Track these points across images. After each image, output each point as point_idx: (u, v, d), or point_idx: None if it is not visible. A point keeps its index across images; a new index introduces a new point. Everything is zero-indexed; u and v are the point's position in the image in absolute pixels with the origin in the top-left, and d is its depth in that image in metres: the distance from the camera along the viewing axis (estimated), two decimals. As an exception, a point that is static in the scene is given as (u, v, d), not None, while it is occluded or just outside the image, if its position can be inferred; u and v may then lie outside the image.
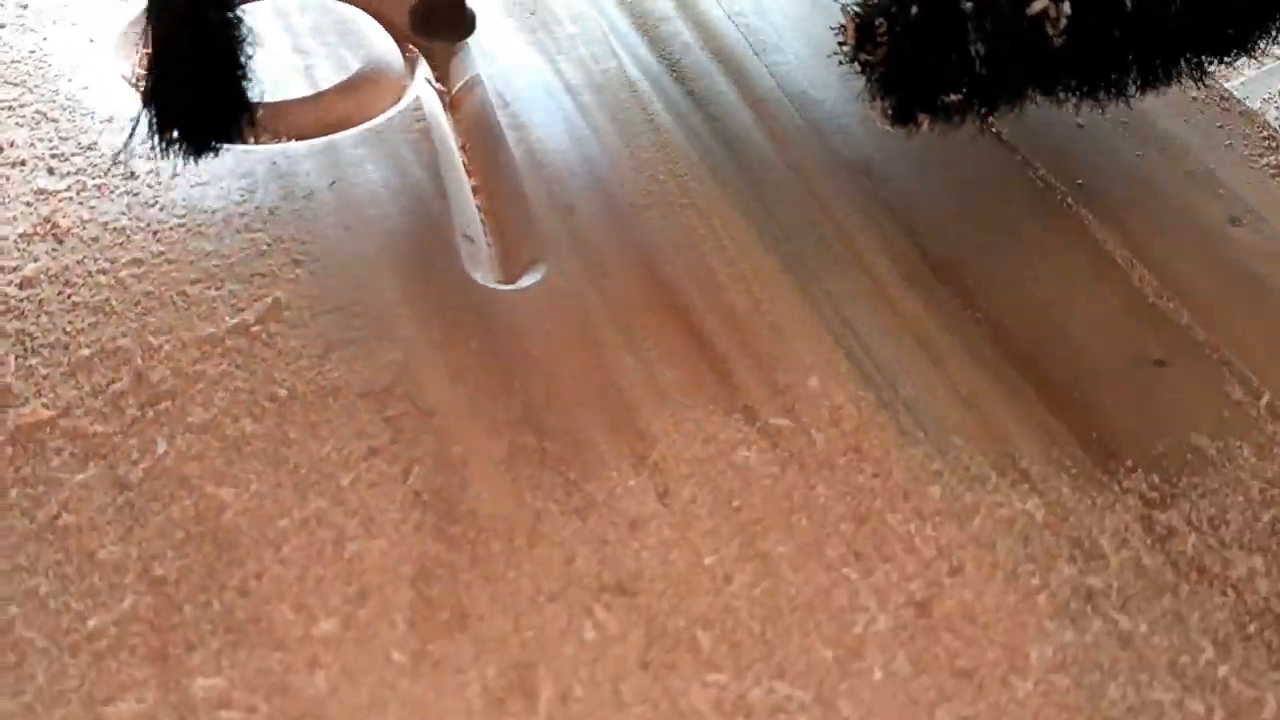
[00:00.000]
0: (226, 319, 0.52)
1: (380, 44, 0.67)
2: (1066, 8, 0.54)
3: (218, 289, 0.53)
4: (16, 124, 0.60)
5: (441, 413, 0.49)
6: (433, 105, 0.64)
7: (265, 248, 0.55)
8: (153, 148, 0.50)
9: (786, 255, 0.57)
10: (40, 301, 0.52)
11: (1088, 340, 0.55)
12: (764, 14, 0.72)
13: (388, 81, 0.65)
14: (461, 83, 0.65)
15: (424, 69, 0.66)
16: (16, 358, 0.50)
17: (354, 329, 0.52)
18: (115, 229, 0.55)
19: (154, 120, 0.50)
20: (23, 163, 0.58)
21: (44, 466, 0.46)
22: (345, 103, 0.63)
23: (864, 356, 0.53)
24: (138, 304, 0.52)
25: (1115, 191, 0.62)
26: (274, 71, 0.64)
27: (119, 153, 0.55)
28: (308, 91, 0.63)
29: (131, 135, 0.50)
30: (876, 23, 0.54)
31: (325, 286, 0.53)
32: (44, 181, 0.57)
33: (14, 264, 0.53)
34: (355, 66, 0.65)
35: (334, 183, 0.58)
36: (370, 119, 0.63)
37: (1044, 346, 0.54)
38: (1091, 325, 0.55)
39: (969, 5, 0.53)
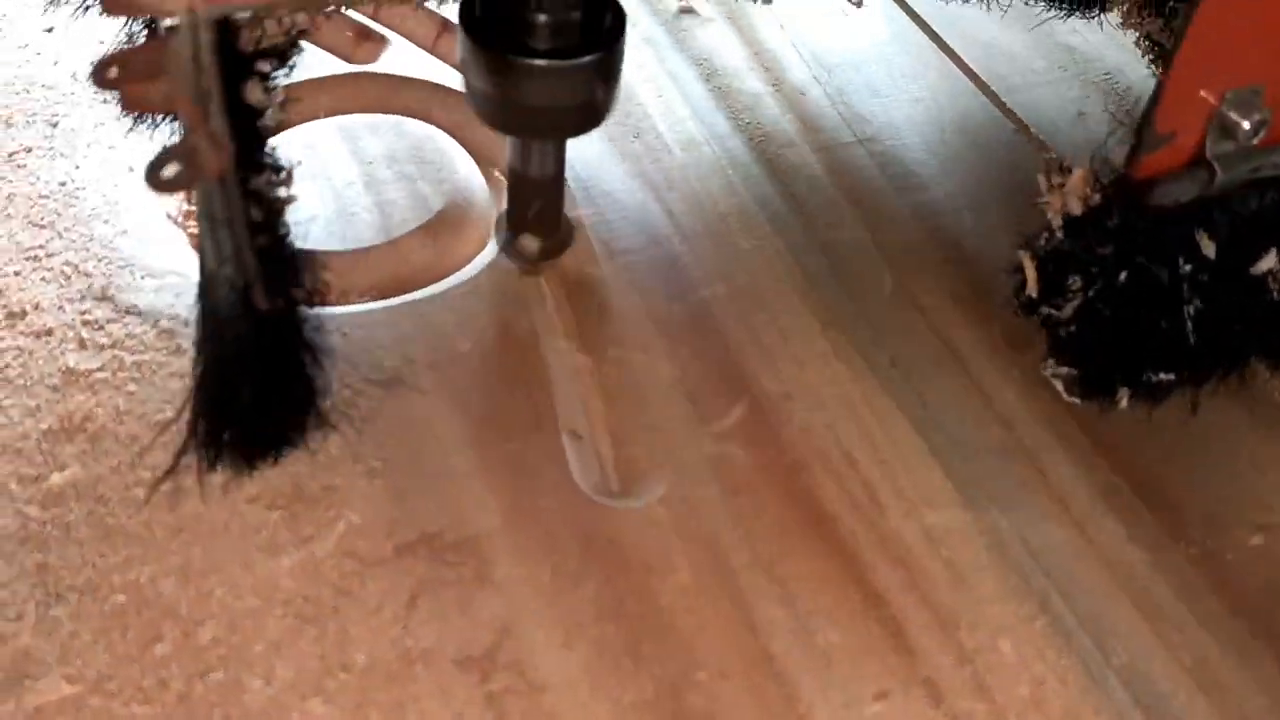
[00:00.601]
0: (290, 550, 0.43)
1: (463, 171, 0.58)
2: None
3: (279, 508, 0.44)
4: (42, 279, 0.51)
5: (555, 689, 0.40)
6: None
7: (335, 452, 0.45)
8: (202, 460, 0.42)
9: (954, 465, 0.48)
10: (67, 526, 0.43)
11: (1327, 585, 0.45)
12: (899, 135, 0.62)
13: (473, 221, 0.56)
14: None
15: (514, 206, 0.57)
16: (37, 604, 0.40)
17: (445, 566, 0.43)
18: (158, 424, 0.46)
19: (204, 434, 0.41)
20: (49, 332, 0.49)
21: (66, 769, 0.37)
22: (426, 250, 0.54)
23: (1061, 606, 0.44)
24: (182, 530, 0.43)
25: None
26: (342, 213, 0.55)
27: (164, 476, 0.43)
28: (381, 236, 0.54)
29: (178, 459, 0.42)
30: (1069, 280, 0.45)
31: (408, 506, 0.44)
32: (74, 358, 0.48)
33: (36, 472, 0.44)
34: (436, 204, 0.56)
35: (414, 361, 0.49)
36: (456, 268, 0.54)
37: (1276, 596, 0.45)
38: (1329, 563, 0.46)
39: (1186, 267, 0.44)
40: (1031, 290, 0.46)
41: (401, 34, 0.64)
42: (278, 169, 0.39)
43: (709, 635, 0.42)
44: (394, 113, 0.61)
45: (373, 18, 0.66)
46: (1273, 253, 0.45)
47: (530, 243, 0.52)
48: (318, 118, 0.60)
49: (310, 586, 0.42)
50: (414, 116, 0.60)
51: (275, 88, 0.39)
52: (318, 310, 0.42)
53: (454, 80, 0.60)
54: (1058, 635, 0.43)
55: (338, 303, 0.51)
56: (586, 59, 0.44)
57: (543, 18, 0.43)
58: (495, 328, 0.51)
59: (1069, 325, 0.46)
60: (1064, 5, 0.59)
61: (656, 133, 0.61)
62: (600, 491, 0.46)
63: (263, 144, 0.38)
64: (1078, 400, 0.48)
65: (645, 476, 0.47)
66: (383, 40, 0.65)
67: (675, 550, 0.44)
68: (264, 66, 0.38)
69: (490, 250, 0.55)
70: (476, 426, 0.47)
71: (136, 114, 0.47)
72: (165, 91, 0.34)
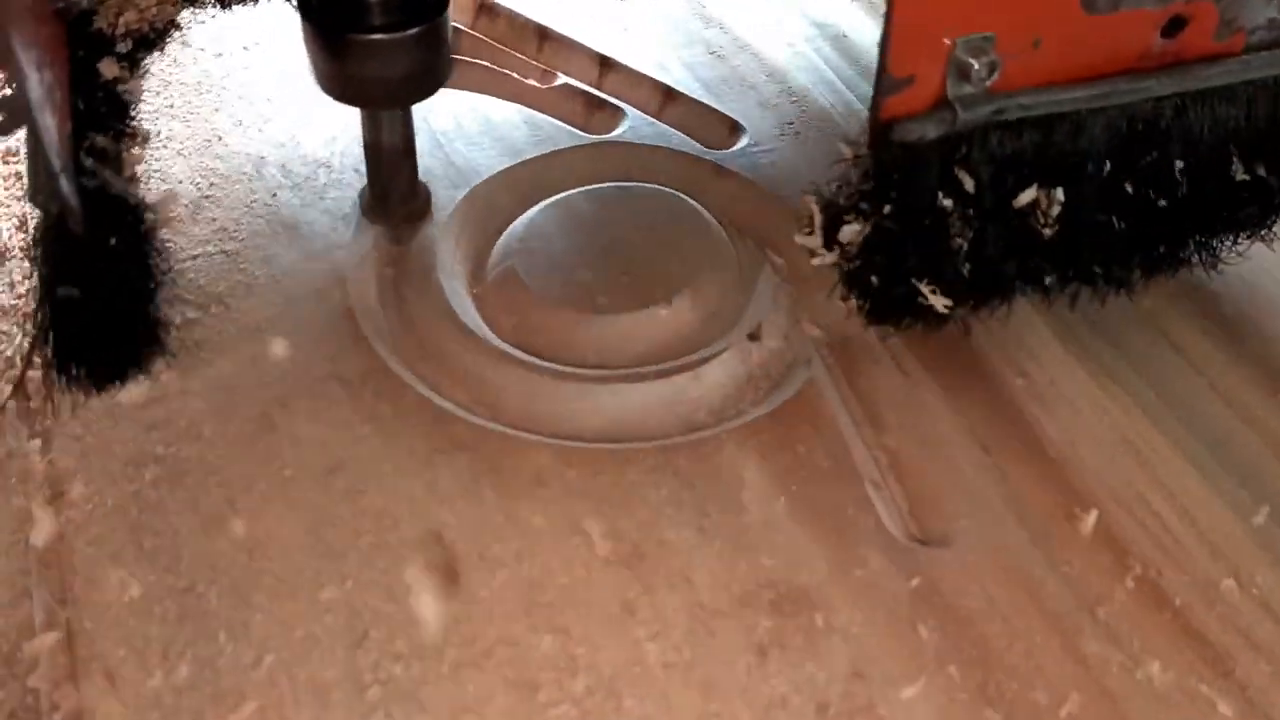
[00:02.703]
0: (642, 606, 0.45)
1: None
2: (1060, 195, 0.49)
3: (622, 564, 0.46)
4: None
5: (912, 734, 0.42)
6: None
7: (656, 502, 0.48)
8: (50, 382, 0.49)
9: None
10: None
11: None
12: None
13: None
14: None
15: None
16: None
17: (785, 616, 0.45)
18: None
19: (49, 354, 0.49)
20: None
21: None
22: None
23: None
24: (546, 590, 0.45)
25: None
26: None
27: (10, 394, 0.51)
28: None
29: (23, 378, 0.50)
30: (845, 219, 0.50)
31: (739, 558, 0.47)
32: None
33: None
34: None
35: (716, 418, 0.52)
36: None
37: None
38: None
39: (947, 202, 0.48)
40: (819, 231, 0.51)
41: (627, 101, 0.68)
42: (126, 134, 0.47)
43: (1046, 674, 0.44)
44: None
45: (598, 88, 0.70)
46: (1033, 187, 0.49)
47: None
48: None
49: (666, 638, 0.44)
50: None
51: (139, 66, 0.47)
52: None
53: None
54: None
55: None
56: (414, 31, 0.52)
57: None
58: (780, 388, 0.54)
59: (854, 261, 0.51)
60: None
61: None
62: (910, 537, 0.49)
63: (117, 111, 0.46)
64: (865, 326, 0.54)
65: (952, 521, 0.49)
66: (617, 111, 0.69)
67: (997, 595, 0.46)
68: (122, 48, 0.46)
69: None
70: (783, 478, 0.50)
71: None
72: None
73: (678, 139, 0.66)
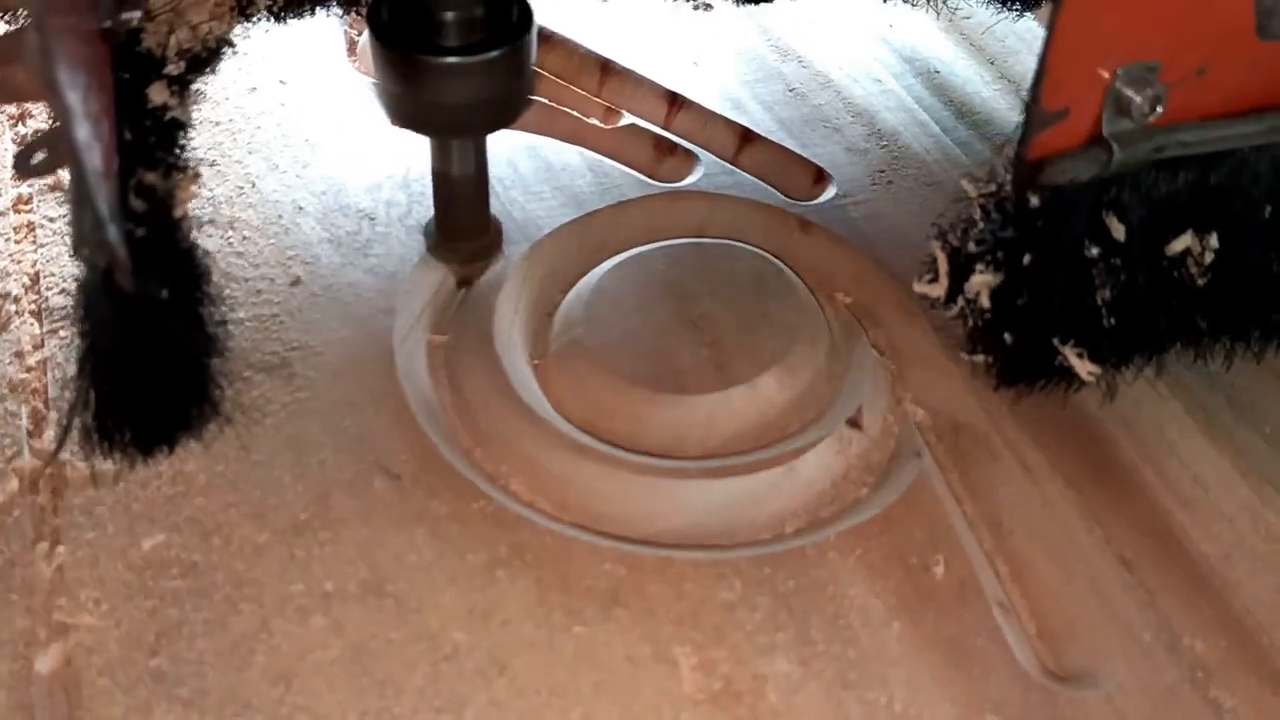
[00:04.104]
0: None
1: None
2: (1214, 242, 0.45)
3: (708, 701, 0.40)
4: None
5: None
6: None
7: (751, 629, 0.42)
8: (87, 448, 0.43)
9: None
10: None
11: None
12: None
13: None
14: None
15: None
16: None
17: (907, 758, 0.39)
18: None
19: (88, 420, 0.42)
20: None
21: None
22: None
23: None
24: None
25: None
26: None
27: (46, 463, 0.46)
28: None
29: (60, 445, 0.44)
30: (976, 267, 0.45)
31: (853, 699, 0.41)
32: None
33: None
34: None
35: (819, 529, 0.46)
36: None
37: None
38: None
39: (1094, 250, 0.44)
40: (943, 278, 0.46)
41: (700, 144, 0.62)
42: (176, 168, 0.41)
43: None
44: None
45: (668, 129, 0.63)
46: (1188, 233, 0.45)
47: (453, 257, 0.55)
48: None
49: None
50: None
51: (190, 90, 0.41)
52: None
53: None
54: None
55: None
56: (493, 54, 0.47)
57: (448, 15, 0.46)
58: (884, 485, 0.47)
59: (984, 315, 0.46)
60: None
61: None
62: (1045, 672, 0.42)
63: (167, 142, 0.41)
64: (994, 388, 0.49)
65: (1093, 654, 0.42)
66: (689, 156, 0.62)
67: (1159, 746, 0.40)
68: (173, 70, 0.40)
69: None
70: (896, 598, 0.44)
71: (11, 103, 0.51)
72: (24, 78, 0.38)
73: (756, 188, 0.60)
